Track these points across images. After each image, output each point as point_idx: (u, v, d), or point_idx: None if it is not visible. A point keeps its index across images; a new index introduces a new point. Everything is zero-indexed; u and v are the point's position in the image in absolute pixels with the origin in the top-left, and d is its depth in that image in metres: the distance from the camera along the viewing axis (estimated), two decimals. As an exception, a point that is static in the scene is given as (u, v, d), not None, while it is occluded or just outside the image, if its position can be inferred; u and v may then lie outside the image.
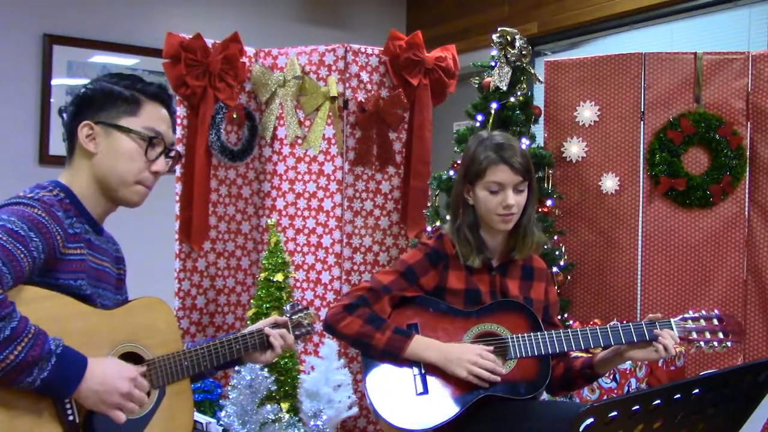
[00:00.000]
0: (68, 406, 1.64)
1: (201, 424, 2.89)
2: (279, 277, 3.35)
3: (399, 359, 2.20)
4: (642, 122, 3.60)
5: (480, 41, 5.21)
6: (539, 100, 3.73)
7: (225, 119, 3.80)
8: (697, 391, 1.39)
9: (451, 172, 3.43)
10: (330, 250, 3.73)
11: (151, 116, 1.85)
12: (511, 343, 2.20)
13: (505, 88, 3.40)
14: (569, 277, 3.51)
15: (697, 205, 3.51)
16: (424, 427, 2.13)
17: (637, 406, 1.29)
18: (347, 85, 3.74)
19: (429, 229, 3.52)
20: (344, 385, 3.31)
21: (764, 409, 1.59)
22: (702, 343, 2.19)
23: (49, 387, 1.57)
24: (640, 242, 3.58)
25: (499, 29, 3.44)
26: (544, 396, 2.55)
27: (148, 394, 1.81)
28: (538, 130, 3.68)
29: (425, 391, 2.18)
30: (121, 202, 1.87)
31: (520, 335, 2.20)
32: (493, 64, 3.47)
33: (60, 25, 4.79)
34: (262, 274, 3.39)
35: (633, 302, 3.59)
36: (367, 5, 6.04)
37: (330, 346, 3.33)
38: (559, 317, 3.37)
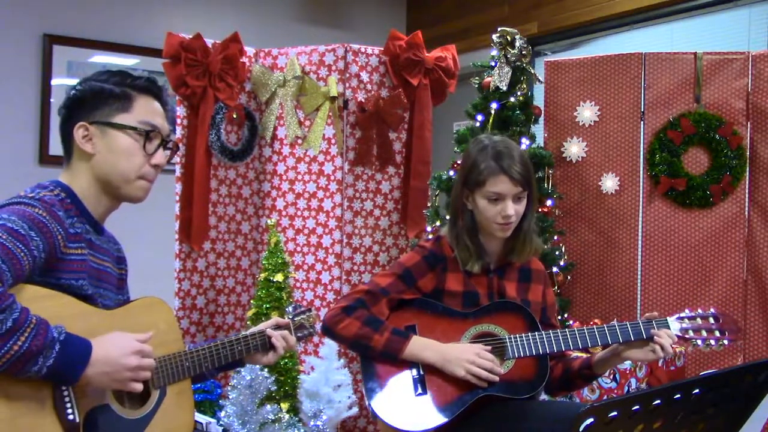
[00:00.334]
0: (68, 405, 1.64)
1: (201, 424, 2.89)
2: (279, 277, 3.35)
3: (397, 360, 2.20)
4: (642, 122, 3.60)
5: (480, 41, 5.21)
6: (539, 100, 3.73)
7: (225, 119, 3.80)
8: (697, 391, 1.39)
9: (451, 172, 3.43)
10: (330, 251, 3.73)
11: (145, 110, 1.85)
12: (508, 344, 2.20)
13: (505, 88, 3.40)
14: (569, 277, 3.51)
15: (697, 205, 3.51)
16: (424, 428, 2.13)
17: (637, 406, 1.29)
18: (347, 85, 3.74)
19: (429, 229, 3.52)
20: (344, 385, 3.31)
21: (764, 409, 1.59)
22: (699, 341, 2.19)
23: (56, 374, 1.57)
24: (640, 242, 3.58)
25: (499, 29, 3.44)
26: (544, 397, 2.55)
27: (148, 395, 1.81)
28: (538, 130, 3.68)
29: (424, 392, 2.18)
30: (125, 199, 1.87)
31: (517, 335, 2.20)
32: (493, 64, 3.47)
33: (60, 25, 4.79)
34: (262, 275, 3.39)
35: (633, 302, 3.59)
36: (367, 5, 6.04)
37: (330, 346, 3.33)
38: (559, 317, 3.38)
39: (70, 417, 1.63)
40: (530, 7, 5.14)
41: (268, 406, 3.14)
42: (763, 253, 3.44)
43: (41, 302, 1.63)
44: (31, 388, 1.59)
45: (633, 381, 3.10)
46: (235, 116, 3.81)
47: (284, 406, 3.27)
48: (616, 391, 3.06)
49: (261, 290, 3.37)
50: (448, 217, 2.47)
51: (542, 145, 3.63)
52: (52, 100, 4.74)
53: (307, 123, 3.81)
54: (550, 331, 2.22)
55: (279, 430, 3.16)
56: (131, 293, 2.02)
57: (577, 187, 3.67)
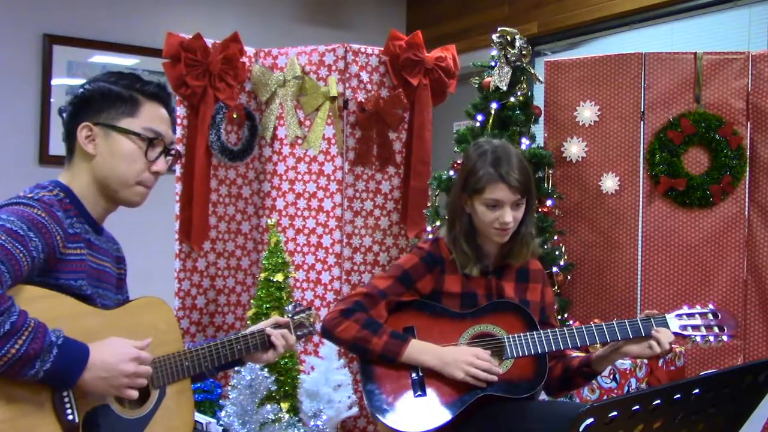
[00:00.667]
0: (68, 405, 1.64)
1: (201, 424, 2.89)
2: (279, 277, 3.35)
3: (396, 363, 2.20)
4: (642, 122, 3.60)
5: (480, 41, 5.21)
6: (539, 100, 3.73)
7: (225, 119, 3.80)
8: (697, 391, 1.39)
9: (451, 172, 3.43)
10: (330, 250, 3.73)
11: (151, 116, 1.84)
12: (507, 343, 2.20)
13: (505, 88, 3.40)
14: (569, 277, 3.51)
15: (697, 205, 3.51)
16: (424, 429, 2.13)
17: (637, 406, 1.29)
18: (347, 85, 3.74)
19: (429, 229, 3.52)
20: (344, 385, 3.31)
21: (764, 409, 1.59)
22: (698, 338, 2.19)
23: (53, 378, 1.58)
24: (640, 242, 3.58)
25: (499, 29, 3.44)
26: (544, 398, 2.55)
27: (148, 395, 1.81)
28: (538, 130, 3.68)
29: (423, 393, 2.18)
30: (121, 203, 1.87)
31: (516, 335, 2.21)
32: (493, 64, 3.47)
33: (60, 25, 4.79)
34: (262, 274, 3.39)
35: (633, 302, 3.59)
36: (367, 5, 6.04)
37: (330, 346, 3.33)
38: (559, 317, 3.38)
39: (70, 417, 1.63)
40: (530, 7, 5.14)
41: (268, 406, 3.14)
42: (763, 253, 3.44)
43: (40, 302, 1.63)
44: (31, 389, 1.59)
45: (633, 381, 3.10)
46: (235, 116, 3.81)
47: (284, 406, 3.27)
48: (616, 391, 3.06)
49: (261, 290, 3.37)
50: (447, 219, 2.46)
51: (542, 145, 3.63)
52: (52, 100, 4.74)
53: (307, 123, 3.81)
54: (549, 330, 2.22)
55: (279, 430, 3.16)
56: (131, 293, 2.01)
57: (577, 187, 3.67)
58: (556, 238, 3.45)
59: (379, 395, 2.19)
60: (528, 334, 2.20)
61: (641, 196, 3.59)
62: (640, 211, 3.59)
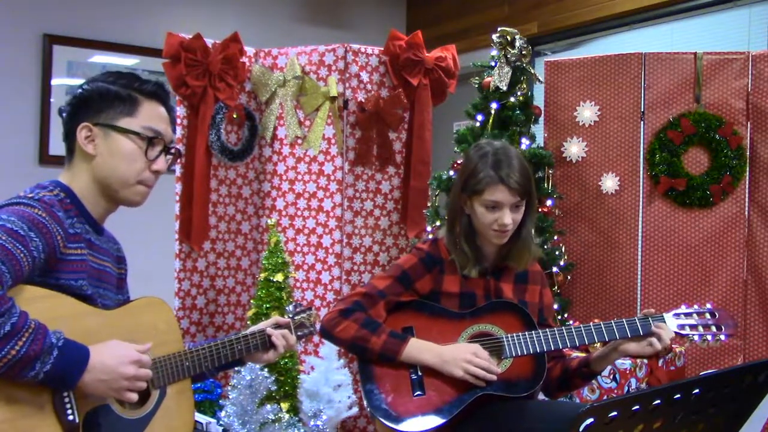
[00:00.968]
0: (68, 405, 1.64)
1: (201, 424, 2.89)
2: (279, 277, 3.35)
3: (395, 362, 2.20)
4: (642, 122, 3.60)
5: (480, 41, 5.21)
6: (539, 100, 3.73)
7: (225, 119, 3.80)
8: (697, 391, 1.39)
9: (451, 172, 3.43)
10: (330, 250, 3.73)
11: (150, 115, 1.84)
12: (505, 343, 2.20)
13: (505, 88, 3.40)
14: (569, 277, 3.51)
15: (697, 205, 3.51)
16: (423, 428, 2.13)
17: (637, 406, 1.29)
18: (347, 85, 3.74)
19: (429, 229, 3.52)
20: (344, 385, 3.31)
21: (764, 409, 1.59)
22: (696, 337, 2.19)
23: (53, 380, 1.57)
24: (640, 242, 3.58)
25: (499, 29, 3.44)
26: (543, 398, 2.55)
27: (148, 395, 1.81)
28: (538, 130, 3.68)
29: (422, 392, 2.18)
30: (122, 203, 1.87)
31: (514, 334, 2.21)
32: (493, 64, 3.47)
33: (60, 25, 4.79)
34: (262, 274, 3.39)
35: (633, 302, 3.59)
36: (367, 5, 6.04)
37: (330, 346, 3.32)
38: (559, 317, 3.38)
39: (70, 417, 1.63)
40: (530, 7, 5.14)
41: (268, 406, 3.14)
42: (763, 253, 3.44)
43: (41, 302, 1.63)
44: (31, 390, 1.59)
45: (633, 381, 3.10)
46: (235, 116, 3.81)
47: (284, 406, 3.27)
48: (616, 391, 3.06)
49: (261, 290, 3.37)
50: (446, 219, 2.47)
51: (542, 145, 3.63)
52: (52, 100, 4.74)
53: (307, 123, 3.81)
54: (547, 329, 2.22)
55: (279, 430, 3.16)
56: (131, 293, 2.01)
57: (577, 187, 3.67)
58: (556, 238, 3.45)
59: (379, 395, 2.19)
60: (527, 333, 2.20)
61: (641, 196, 3.59)
62: (640, 211, 3.59)
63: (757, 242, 3.46)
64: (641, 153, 3.59)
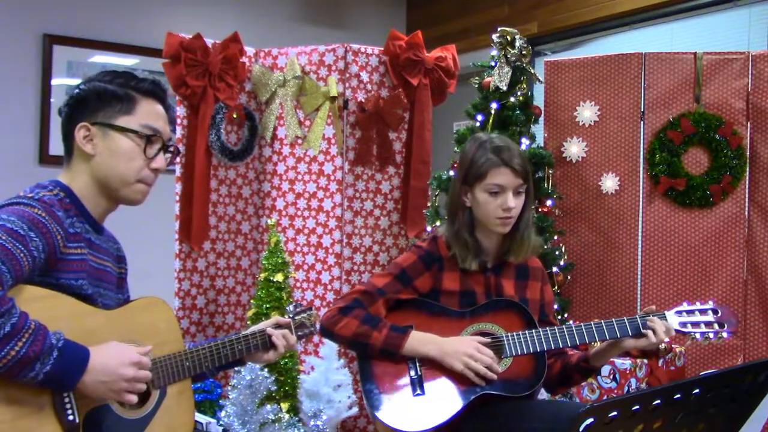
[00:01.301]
0: (68, 405, 1.64)
1: (201, 424, 2.89)
2: (279, 277, 3.35)
3: (397, 356, 2.20)
4: (642, 122, 3.60)
5: (480, 41, 5.21)
6: (539, 100, 3.73)
7: (225, 119, 3.80)
8: (697, 391, 1.39)
9: (451, 172, 3.43)
10: (330, 250, 3.73)
11: (147, 113, 1.84)
12: (506, 342, 2.20)
13: (505, 88, 3.40)
14: (569, 277, 3.51)
15: (697, 205, 3.51)
16: (423, 428, 2.13)
17: (637, 406, 1.29)
18: (347, 85, 3.74)
19: (429, 229, 3.52)
20: (344, 385, 3.32)
21: (764, 409, 1.59)
22: (698, 335, 2.19)
23: (53, 380, 1.57)
24: (640, 242, 3.58)
25: (499, 29, 3.44)
26: (544, 395, 2.55)
27: (148, 395, 1.81)
28: (538, 130, 3.68)
29: (422, 392, 2.18)
30: (122, 202, 1.87)
31: (514, 333, 2.20)
32: (493, 64, 3.47)
33: (60, 25, 4.79)
34: (262, 274, 3.39)
35: (633, 302, 3.59)
36: (367, 5, 6.04)
37: (330, 346, 3.33)
38: (559, 317, 3.38)
39: (70, 417, 1.63)
40: (530, 7, 5.14)
41: (268, 406, 3.14)
42: (763, 253, 3.44)
43: (41, 302, 1.63)
44: (32, 390, 1.59)
45: (633, 381, 3.10)
46: (235, 116, 3.81)
47: (284, 406, 3.27)
48: (616, 391, 3.06)
49: (261, 290, 3.37)
50: (446, 215, 2.47)
51: (542, 145, 3.63)
52: (52, 100, 4.74)
53: (307, 123, 3.81)
54: (548, 328, 2.22)
55: (279, 430, 3.16)
56: (131, 293, 2.01)
57: (577, 187, 3.67)
58: (556, 238, 3.45)
59: (378, 395, 2.19)
60: (527, 332, 2.20)
61: (641, 196, 3.59)
62: (640, 211, 3.59)
63: (757, 242, 3.46)
64: (641, 153, 3.59)
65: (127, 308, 1.86)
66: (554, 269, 3.36)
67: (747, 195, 3.50)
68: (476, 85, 3.53)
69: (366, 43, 3.88)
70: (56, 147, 4.58)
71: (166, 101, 1.90)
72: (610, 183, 3.61)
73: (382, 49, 3.83)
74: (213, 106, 3.72)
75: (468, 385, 2.16)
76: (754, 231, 3.47)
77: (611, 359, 2.55)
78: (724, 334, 2.19)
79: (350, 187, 3.78)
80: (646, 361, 3.13)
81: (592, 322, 2.21)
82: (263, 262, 3.43)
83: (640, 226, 3.59)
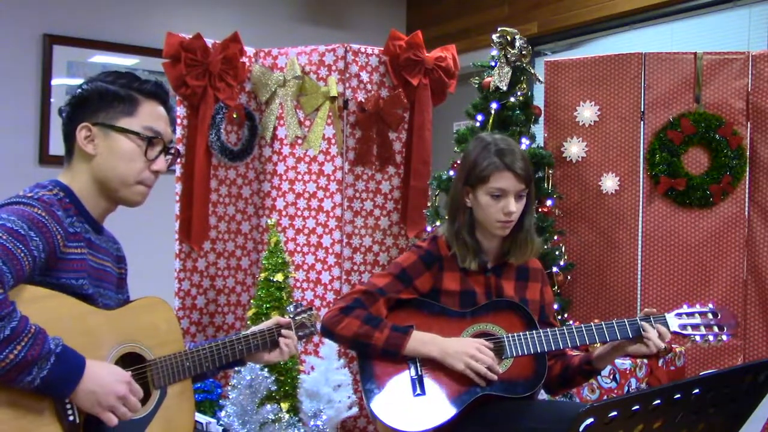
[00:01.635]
0: (68, 406, 1.64)
1: (201, 424, 2.89)
2: (279, 277, 3.35)
3: (399, 356, 2.20)
4: (642, 122, 3.60)
5: (480, 41, 5.21)
6: (539, 100, 3.73)
7: (225, 119, 3.80)
8: (697, 391, 1.39)
9: (451, 172, 3.43)
10: (330, 250, 3.73)
11: (149, 115, 1.84)
12: (506, 342, 2.20)
13: (505, 88, 3.40)
14: (569, 277, 3.51)
15: (697, 205, 3.51)
16: (423, 428, 2.13)
17: (637, 406, 1.29)
18: (347, 85, 3.74)
19: (429, 229, 3.52)
20: (344, 385, 3.32)
21: (764, 409, 1.59)
22: (698, 337, 2.19)
23: (49, 386, 1.57)
24: (640, 242, 3.58)
25: (499, 29, 3.44)
26: (544, 397, 2.55)
27: (149, 395, 1.81)
28: (538, 130, 3.68)
29: (422, 392, 2.18)
30: (122, 203, 1.87)
31: (515, 334, 2.20)
32: (493, 64, 3.47)
33: (60, 25, 4.79)
34: (262, 274, 3.39)
35: (633, 302, 3.59)
36: (367, 5, 6.04)
37: (330, 346, 3.33)
38: (559, 317, 3.38)
39: (71, 418, 1.63)
40: (530, 7, 5.14)
41: (268, 406, 3.14)
42: (763, 253, 3.44)
43: (41, 302, 1.63)
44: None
45: (633, 381, 3.10)
46: (235, 116, 3.81)
47: (284, 406, 3.27)
48: (616, 391, 3.06)
49: (261, 290, 3.37)
50: (447, 216, 2.47)
51: (542, 145, 3.63)
52: (52, 100, 4.74)
53: (307, 123, 3.81)
54: (548, 329, 2.22)
55: (279, 430, 3.16)
56: (131, 293, 2.01)
57: (577, 187, 3.67)
58: (556, 238, 3.45)
59: (379, 395, 2.19)
60: (527, 333, 2.20)
61: (641, 196, 3.59)
62: (640, 211, 3.59)
63: (757, 242, 3.46)
64: (641, 153, 3.59)
65: (128, 308, 1.86)
66: (554, 269, 3.36)
67: (747, 195, 3.50)
68: (476, 85, 3.53)
69: (366, 43, 3.88)
70: (56, 147, 4.58)
71: (169, 103, 1.90)
72: (610, 183, 3.61)
73: (382, 49, 3.83)
74: (213, 106, 3.72)
75: (468, 385, 2.16)
76: (754, 231, 3.47)
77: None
78: (724, 337, 2.20)
79: (350, 187, 3.78)
80: (646, 361, 3.13)
81: (592, 324, 2.21)
82: (263, 262, 3.43)
83: (640, 226, 3.59)
